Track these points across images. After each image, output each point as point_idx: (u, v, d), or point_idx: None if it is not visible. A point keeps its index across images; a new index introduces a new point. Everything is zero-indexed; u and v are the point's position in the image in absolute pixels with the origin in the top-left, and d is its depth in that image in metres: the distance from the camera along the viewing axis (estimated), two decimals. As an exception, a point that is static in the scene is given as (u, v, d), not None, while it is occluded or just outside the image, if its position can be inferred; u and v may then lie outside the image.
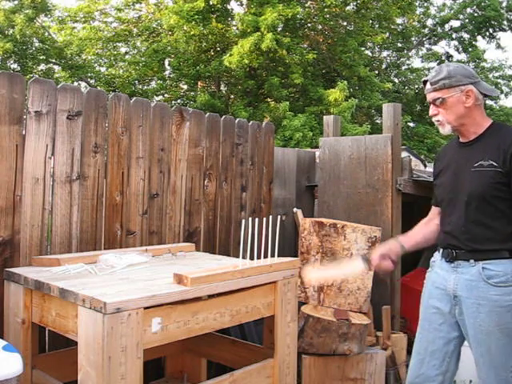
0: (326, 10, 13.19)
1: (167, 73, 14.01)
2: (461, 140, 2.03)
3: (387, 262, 2.09)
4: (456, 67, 1.95)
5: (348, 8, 14.02)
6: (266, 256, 2.12)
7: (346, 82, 11.67)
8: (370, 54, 16.70)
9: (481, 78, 2.01)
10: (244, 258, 2.05)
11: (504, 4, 16.62)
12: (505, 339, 1.85)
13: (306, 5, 13.56)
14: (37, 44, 13.79)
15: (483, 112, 1.99)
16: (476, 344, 1.90)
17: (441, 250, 2.05)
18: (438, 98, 1.94)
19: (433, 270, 2.10)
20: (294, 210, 3.72)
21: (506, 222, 1.87)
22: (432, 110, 1.99)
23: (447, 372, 2.02)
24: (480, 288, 1.88)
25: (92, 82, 14.14)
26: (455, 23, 17.76)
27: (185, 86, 14.36)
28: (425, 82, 2.02)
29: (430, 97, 1.98)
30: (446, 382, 2.03)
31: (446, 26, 17.79)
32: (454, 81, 1.91)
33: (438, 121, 1.98)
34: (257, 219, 2.03)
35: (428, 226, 2.18)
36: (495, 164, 1.85)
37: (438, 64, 16.20)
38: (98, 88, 10.91)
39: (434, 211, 2.18)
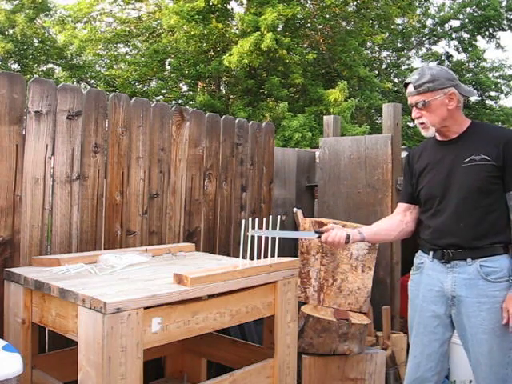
0: (326, 9, 13.18)
1: (167, 73, 14.00)
2: (440, 139, 2.04)
3: (340, 234, 2.04)
4: (439, 70, 1.96)
5: (348, 8, 14.02)
6: (265, 256, 2.12)
7: (345, 82, 11.66)
8: (369, 53, 16.70)
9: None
10: (244, 258, 2.05)
11: (504, 3, 16.61)
12: (503, 336, 1.86)
13: (306, 5, 13.56)
14: (37, 44, 13.78)
15: (462, 112, 2.02)
16: (478, 343, 1.90)
17: (430, 252, 2.03)
18: (422, 101, 1.94)
19: (423, 273, 2.07)
20: (294, 210, 3.72)
21: (498, 216, 1.90)
22: (415, 113, 1.99)
23: (442, 371, 2.06)
24: (479, 286, 1.88)
25: (92, 82, 14.14)
26: (455, 23, 17.77)
27: (184, 87, 14.36)
28: (406, 85, 2.01)
29: (413, 100, 1.98)
30: (440, 381, 2.07)
31: (446, 26, 17.78)
32: (438, 84, 1.92)
33: (422, 123, 1.98)
34: (257, 219, 2.03)
35: (391, 220, 2.19)
36: (488, 158, 1.88)
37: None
38: (99, 88, 10.91)
39: (400, 208, 2.19)
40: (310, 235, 2.14)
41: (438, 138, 2.04)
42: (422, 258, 2.09)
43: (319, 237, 2.09)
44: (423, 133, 2.01)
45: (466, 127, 1.99)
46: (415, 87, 1.95)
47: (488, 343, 1.87)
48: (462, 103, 1.99)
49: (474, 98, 17.57)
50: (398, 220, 2.16)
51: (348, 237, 2.07)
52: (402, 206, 2.19)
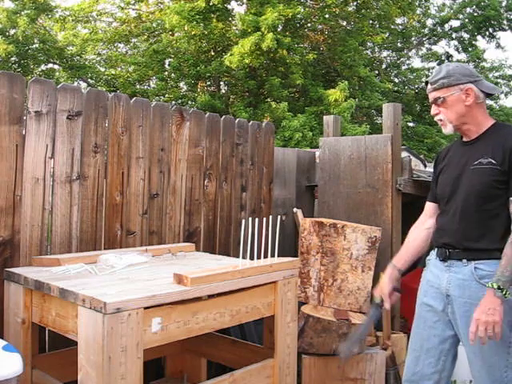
0: (326, 9, 13.18)
1: (167, 73, 14.00)
2: (464, 139, 2.05)
3: (395, 297, 2.15)
4: (456, 67, 1.98)
5: (348, 8, 14.02)
6: (266, 256, 2.12)
7: (346, 82, 11.66)
8: (369, 54, 16.70)
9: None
10: (244, 258, 2.05)
11: (504, 3, 16.61)
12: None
13: (307, 4, 13.55)
14: (37, 44, 13.78)
15: (485, 111, 2.00)
16: (469, 343, 1.90)
17: (435, 249, 2.06)
18: (439, 98, 1.97)
19: (428, 269, 2.11)
20: (294, 210, 3.72)
21: (500, 222, 1.88)
22: (433, 110, 2.02)
23: (443, 371, 2.03)
24: (472, 288, 1.88)
25: (92, 82, 14.14)
26: (455, 23, 17.77)
27: (184, 87, 14.36)
28: (427, 83, 2.05)
29: (430, 96, 2.02)
30: (442, 381, 2.04)
31: (446, 26, 17.79)
32: (453, 80, 1.94)
33: (441, 120, 2.00)
34: (257, 219, 2.03)
35: (418, 235, 2.17)
36: (494, 162, 1.87)
37: (438, 64, 16.23)
38: (99, 88, 10.91)
39: (430, 208, 2.18)
40: (376, 314, 2.21)
41: (463, 138, 2.05)
42: (430, 255, 2.12)
43: (381, 306, 2.17)
44: (443, 130, 2.03)
45: (487, 128, 1.97)
46: (431, 83, 1.99)
47: (478, 343, 1.87)
48: (482, 100, 1.97)
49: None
50: (426, 230, 2.15)
51: (398, 287, 2.17)
52: (430, 206, 2.18)
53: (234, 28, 12.99)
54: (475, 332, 1.77)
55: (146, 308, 1.63)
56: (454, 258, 1.95)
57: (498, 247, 1.86)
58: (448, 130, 2.00)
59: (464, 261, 1.92)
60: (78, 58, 14.12)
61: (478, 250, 1.89)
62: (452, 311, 1.96)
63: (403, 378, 2.13)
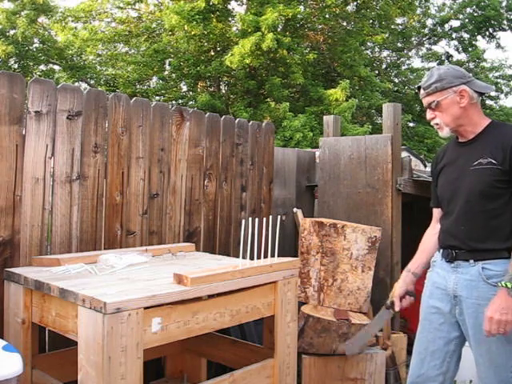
0: (326, 9, 13.18)
1: (167, 73, 14.00)
2: (459, 140, 2.05)
3: (408, 300, 2.16)
4: (447, 69, 1.98)
5: (348, 8, 14.03)
6: (266, 256, 2.12)
7: (348, 81, 11.66)
8: (370, 53, 16.70)
9: (480, 78, 2.02)
10: (244, 257, 2.05)
11: (504, 4, 16.60)
12: (504, 339, 1.84)
13: (307, 4, 13.55)
14: (37, 45, 13.78)
15: (480, 111, 2.00)
16: (476, 344, 1.91)
17: (441, 250, 2.05)
18: (433, 102, 1.96)
19: (433, 270, 2.10)
20: (294, 210, 3.72)
21: (505, 221, 1.88)
22: (429, 115, 2.01)
23: (448, 372, 2.03)
24: (480, 288, 1.88)
25: (92, 82, 14.14)
26: (455, 23, 17.76)
27: (185, 87, 14.36)
28: (419, 88, 2.04)
29: (424, 102, 2.01)
30: (446, 382, 2.04)
31: (446, 26, 17.78)
32: (446, 83, 1.93)
33: (437, 124, 2.00)
34: (257, 219, 2.03)
35: (430, 241, 2.17)
36: (494, 162, 1.86)
37: (438, 64, 16.24)
38: (99, 88, 10.91)
39: (437, 213, 2.18)
40: (386, 316, 2.28)
41: (459, 139, 2.05)
42: (436, 257, 2.11)
43: (392, 308, 2.20)
44: (439, 133, 2.03)
45: (484, 128, 1.96)
46: (424, 89, 1.98)
47: (486, 344, 1.87)
48: (476, 100, 1.97)
49: (474, 98, 17.53)
50: (436, 235, 2.13)
51: (411, 291, 2.17)
52: (436, 211, 2.18)
53: (234, 28, 12.98)
54: (490, 330, 1.78)
55: (146, 308, 1.63)
56: (460, 259, 1.94)
57: (505, 246, 1.86)
58: (445, 133, 2.00)
59: (471, 261, 1.91)
60: (78, 58, 14.12)
61: (484, 251, 1.88)
62: (460, 312, 1.95)
63: (408, 381, 2.12)
